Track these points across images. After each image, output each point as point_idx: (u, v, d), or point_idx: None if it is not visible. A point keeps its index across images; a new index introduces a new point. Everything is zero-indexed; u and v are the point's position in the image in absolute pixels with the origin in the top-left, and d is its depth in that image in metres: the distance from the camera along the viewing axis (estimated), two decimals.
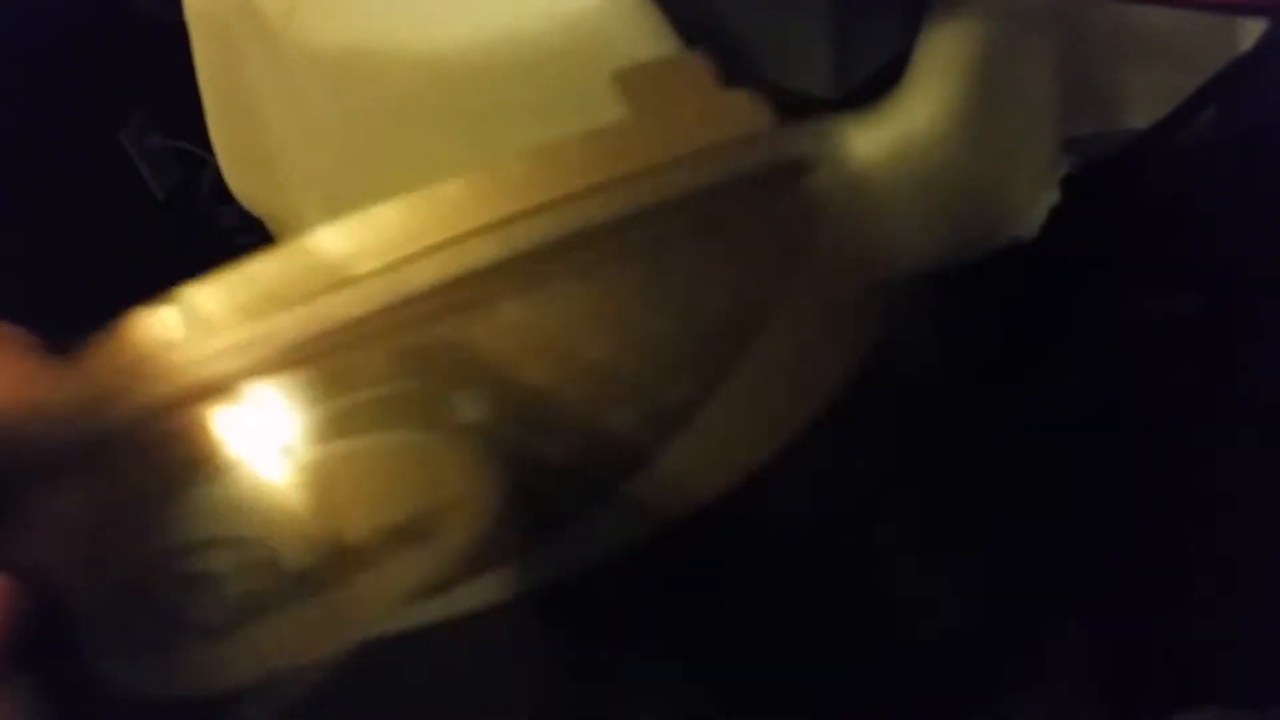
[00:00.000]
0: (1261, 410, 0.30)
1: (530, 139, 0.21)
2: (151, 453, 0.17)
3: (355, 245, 0.17)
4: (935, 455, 0.24)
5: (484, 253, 0.16)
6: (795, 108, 0.22)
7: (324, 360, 0.17)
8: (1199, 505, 0.32)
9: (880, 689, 0.23)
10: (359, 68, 0.22)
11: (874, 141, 0.22)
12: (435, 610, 0.17)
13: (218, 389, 0.17)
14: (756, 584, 0.20)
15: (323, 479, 0.17)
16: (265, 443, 0.17)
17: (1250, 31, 0.26)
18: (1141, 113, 0.26)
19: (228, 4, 0.26)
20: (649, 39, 0.20)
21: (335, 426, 0.17)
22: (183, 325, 0.17)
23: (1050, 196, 0.24)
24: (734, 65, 0.21)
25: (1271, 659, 0.27)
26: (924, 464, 0.22)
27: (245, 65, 0.26)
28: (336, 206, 0.26)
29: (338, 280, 0.17)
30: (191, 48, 0.28)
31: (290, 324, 0.17)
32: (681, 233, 0.17)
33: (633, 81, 0.18)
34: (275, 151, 0.28)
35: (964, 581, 0.25)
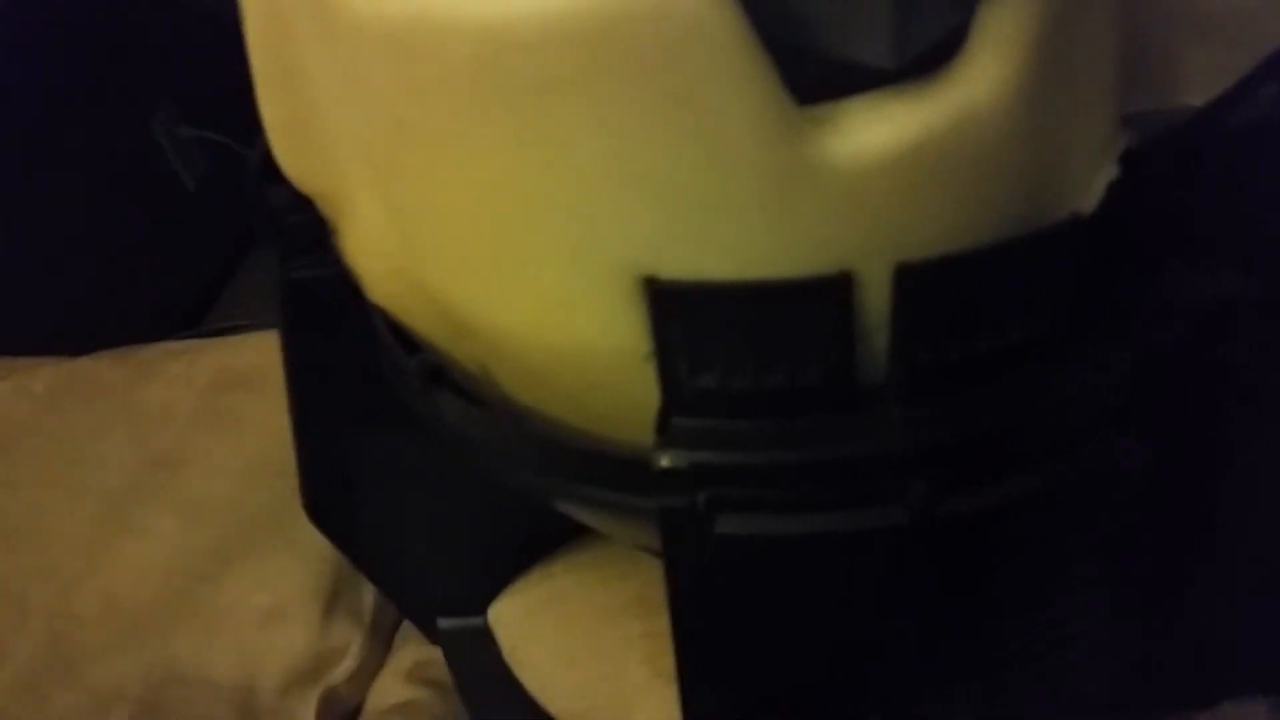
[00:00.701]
0: None
1: (588, 112, 0.21)
2: None
3: None
4: None
5: None
6: (853, 79, 0.22)
7: None
8: (1249, 493, 0.32)
9: None
10: (416, 40, 0.22)
11: (934, 113, 0.21)
12: None
13: None
14: None
15: None
16: None
17: None
18: (1199, 89, 0.26)
19: None
20: (712, 10, 0.20)
21: None
22: None
23: (1110, 171, 0.24)
24: (796, 37, 0.21)
25: None
26: None
27: (298, 41, 0.27)
28: (389, 184, 0.27)
29: None
30: (244, 30, 0.29)
31: None
32: None
33: None
34: (327, 128, 0.28)
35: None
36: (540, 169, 0.22)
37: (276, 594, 0.46)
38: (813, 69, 0.21)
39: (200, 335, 0.63)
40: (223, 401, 0.53)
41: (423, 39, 0.21)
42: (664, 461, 0.25)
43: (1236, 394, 0.29)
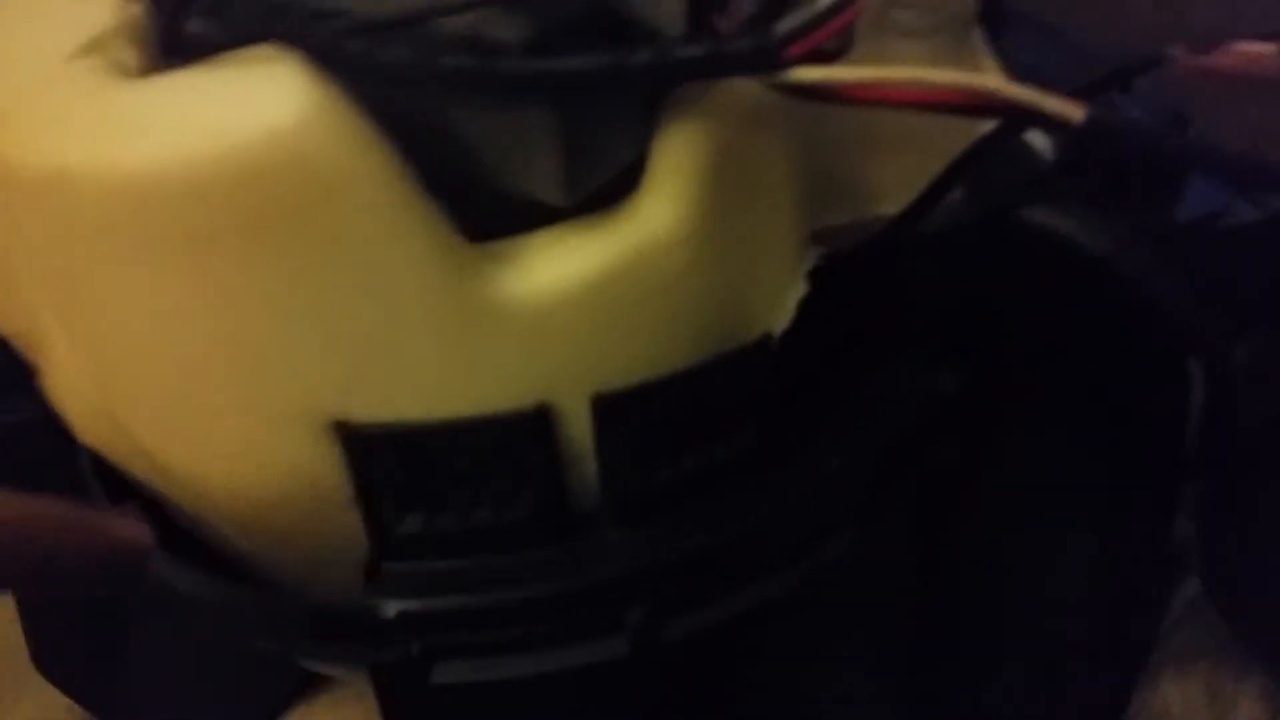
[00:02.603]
0: (1028, 476, 0.31)
1: (241, 262, 0.20)
2: None
3: None
4: None
5: None
6: (528, 216, 0.21)
7: None
8: (982, 581, 0.33)
9: None
10: (64, 188, 0.20)
11: (612, 247, 0.21)
12: None
13: None
14: None
15: None
16: None
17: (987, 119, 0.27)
18: (890, 200, 0.27)
19: None
20: (357, 151, 0.19)
21: None
22: None
23: (798, 289, 0.24)
24: (467, 174, 0.21)
25: None
26: None
27: None
28: (71, 329, 0.25)
29: None
30: None
31: None
32: None
33: None
34: (7, 267, 0.26)
35: None
36: (205, 320, 0.21)
37: None
38: (485, 206, 0.21)
39: None
40: None
41: (66, 190, 0.20)
42: (373, 612, 0.23)
43: (954, 489, 0.29)
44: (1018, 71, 0.28)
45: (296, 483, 0.23)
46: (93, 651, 0.37)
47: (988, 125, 0.27)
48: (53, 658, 0.37)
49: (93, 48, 0.22)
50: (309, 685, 0.39)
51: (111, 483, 0.29)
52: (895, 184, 0.27)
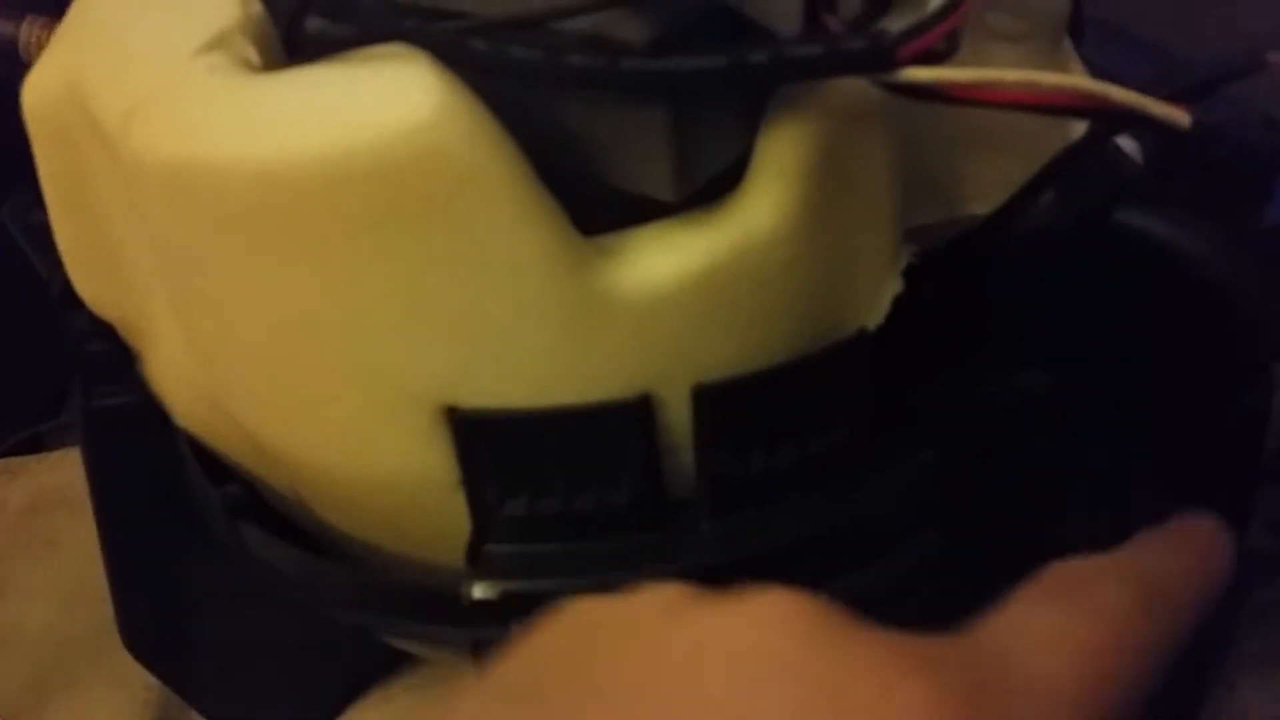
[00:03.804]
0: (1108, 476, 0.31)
1: (368, 251, 0.21)
2: None
3: None
4: None
5: None
6: (636, 211, 0.22)
7: None
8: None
9: None
10: (196, 180, 0.21)
11: (718, 241, 0.22)
12: None
13: None
14: None
15: None
16: None
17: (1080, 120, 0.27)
18: (983, 200, 0.27)
19: (68, 107, 0.25)
20: (487, 146, 0.20)
21: None
22: None
23: (894, 286, 0.24)
24: (574, 169, 0.22)
25: None
26: None
27: (87, 168, 0.26)
28: (184, 315, 0.26)
29: None
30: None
31: None
32: None
33: None
34: (121, 256, 0.27)
35: None
36: (327, 307, 0.22)
37: None
38: (596, 201, 0.22)
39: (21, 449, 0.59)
40: (39, 524, 0.50)
41: (198, 182, 0.21)
42: (475, 592, 0.24)
43: (1040, 491, 0.30)
44: (1097, 75, 0.28)
45: (403, 466, 0.24)
46: (179, 633, 0.38)
47: (1080, 128, 0.27)
48: (140, 637, 0.38)
49: (217, 43, 0.23)
50: (387, 670, 0.40)
51: (209, 465, 0.30)
52: (988, 184, 0.27)
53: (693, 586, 0.20)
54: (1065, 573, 0.19)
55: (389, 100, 0.19)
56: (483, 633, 0.24)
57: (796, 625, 0.16)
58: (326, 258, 0.21)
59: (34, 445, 0.61)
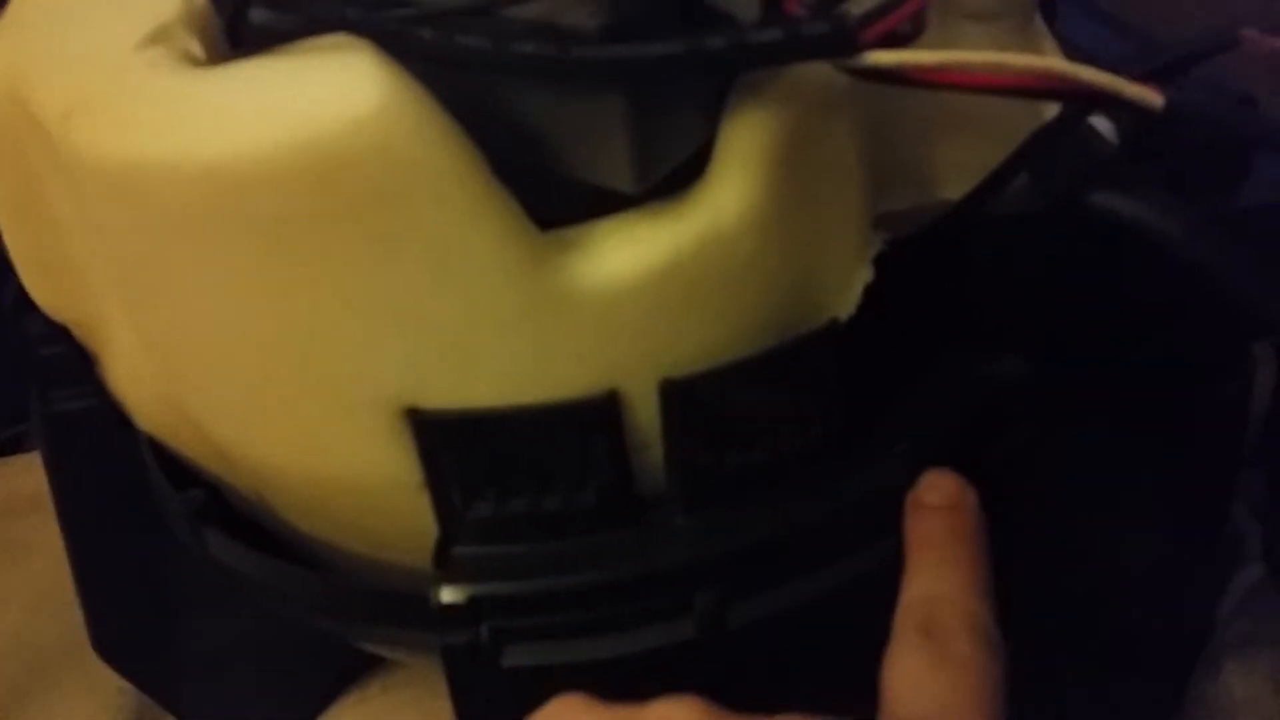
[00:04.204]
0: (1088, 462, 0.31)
1: (320, 249, 0.20)
2: None
3: None
4: None
5: None
6: (597, 203, 0.21)
7: None
8: (1035, 577, 0.33)
9: None
10: (139, 180, 0.20)
11: (681, 233, 0.21)
12: None
13: None
14: None
15: None
16: None
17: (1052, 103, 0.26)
18: (954, 185, 0.26)
19: (8, 108, 0.24)
20: (436, 139, 0.19)
21: None
22: None
23: (865, 275, 0.24)
24: (531, 161, 0.21)
25: None
26: None
27: (33, 170, 0.25)
28: (139, 317, 0.25)
29: None
30: None
31: None
32: None
33: None
34: (72, 258, 0.26)
35: None
36: (279, 306, 0.21)
37: None
38: (555, 194, 0.21)
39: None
40: (12, 528, 0.49)
41: (141, 181, 0.20)
42: (444, 596, 0.24)
43: (1021, 482, 0.29)
44: (1070, 54, 0.28)
45: (366, 469, 0.23)
46: (151, 636, 0.37)
47: (1052, 109, 0.26)
48: (111, 642, 0.37)
49: (158, 37, 0.22)
50: (362, 671, 0.39)
51: (171, 468, 0.29)
52: (959, 168, 0.26)
53: (707, 705, 0.20)
54: None
55: (333, 93, 0.19)
56: (453, 636, 0.24)
57: None
58: (275, 256, 0.20)
59: (15, 447, 0.60)
